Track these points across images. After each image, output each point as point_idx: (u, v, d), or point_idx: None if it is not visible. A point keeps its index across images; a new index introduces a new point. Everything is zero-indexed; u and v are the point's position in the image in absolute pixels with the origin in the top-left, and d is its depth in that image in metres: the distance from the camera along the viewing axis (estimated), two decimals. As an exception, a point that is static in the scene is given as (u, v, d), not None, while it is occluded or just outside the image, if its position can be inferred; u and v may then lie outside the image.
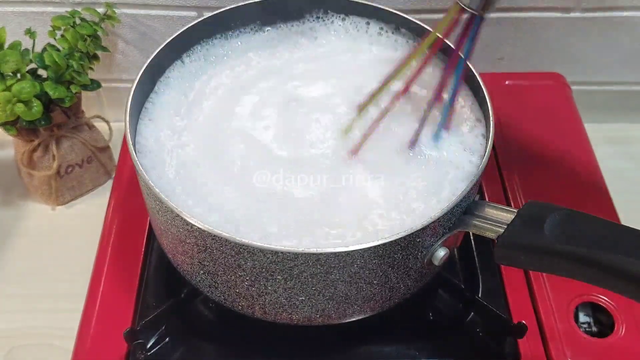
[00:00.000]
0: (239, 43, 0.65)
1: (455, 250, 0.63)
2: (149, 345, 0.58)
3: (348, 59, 0.65)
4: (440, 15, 0.77)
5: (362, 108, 0.58)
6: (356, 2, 0.64)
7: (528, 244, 0.45)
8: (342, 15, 0.65)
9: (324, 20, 0.65)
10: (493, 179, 0.71)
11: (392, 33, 0.64)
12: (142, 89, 0.57)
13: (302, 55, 0.65)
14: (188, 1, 0.76)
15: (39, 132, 0.73)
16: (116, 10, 0.75)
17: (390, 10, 0.63)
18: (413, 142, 0.56)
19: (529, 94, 0.80)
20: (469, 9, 0.51)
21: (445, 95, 0.57)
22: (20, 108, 0.66)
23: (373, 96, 0.57)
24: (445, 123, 0.57)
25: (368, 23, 0.65)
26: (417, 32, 0.62)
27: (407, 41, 0.64)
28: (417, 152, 0.56)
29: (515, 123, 0.76)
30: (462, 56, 0.54)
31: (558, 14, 0.79)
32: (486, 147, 0.51)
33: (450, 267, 0.64)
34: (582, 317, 0.60)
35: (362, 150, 0.56)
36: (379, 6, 0.63)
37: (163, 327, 0.59)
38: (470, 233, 0.60)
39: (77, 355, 0.57)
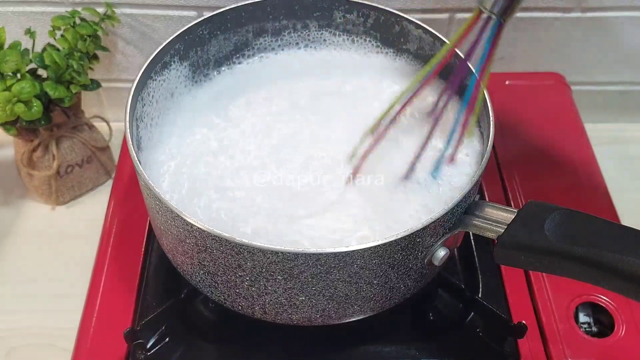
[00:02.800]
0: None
1: (455, 250, 0.63)
2: (149, 345, 0.58)
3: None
4: (441, 15, 0.78)
5: (372, 130, 0.56)
6: (355, 1, 0.64)
7: (528, 244, 0.45)
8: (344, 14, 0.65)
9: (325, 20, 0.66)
10: (493, 179, 0.71)
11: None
12: (142, 89, 0.57)
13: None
14: (188, 1, 0.76)
15: (39, 132, 0.73)
16: (116, 10, 0.75)
17: (390, 10, 0.63)
18: (407, 175, 0.55)
19: (529, 94, 0.80)
20: (489, 13, 0.50)
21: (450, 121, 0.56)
22: (20, 108, 0.66)
23: (381, 116, 0.56)
24: (450, 155, 0.55)
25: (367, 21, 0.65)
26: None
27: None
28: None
29: (515, 123, 0.76)
30: (474, 72, 0.53)
31: (558, 14, 0.79)
32: (486, 147, 0.51)
33: (450, 267, 0.64)
34: (582, 317, 0.60)
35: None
36: (379, 6, 0.63)
37: (163, 327, 0.59)
38: (470, 233, 0.60)
39: (77, 355, 0.57)
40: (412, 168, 0.55)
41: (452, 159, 0.55)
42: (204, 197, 0.54)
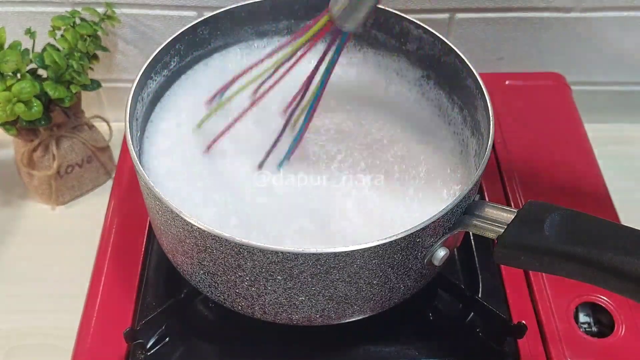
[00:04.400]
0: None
1: (455, 250, 0.63)
2: (149, 345, 0.58)
3: None
4: (441, 15, 0.78)
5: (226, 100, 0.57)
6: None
7: (528, 244, 0.45)
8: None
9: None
10: (493, 179, 0.71)
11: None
12: (142, 89, 0.57)
13: None
14: (188, 1, 0.76)
15: (39, 132, 0.73)
16: (116, 10, 0.75)
17: (390, 10, 0.63)
18: (260, 165, 0.57)
19: (529, 94, 0.80)
20: (339, 27, 0.50)
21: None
22: (20, 108, 0.66)
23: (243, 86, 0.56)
24: (293, 149, 0.57)
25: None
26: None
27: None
28: None
29: (515, 123, 0.76)
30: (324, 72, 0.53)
31: (558, 14, 0.79)
32: (486, 147, 0.51)
33: (450, 267, 0.64)
34: (582, 317, 0.60)
35: None
36: (379, 6, 0.63)
37: (163, 327, 0.59)
38: (470, 233, 0.60)
39: (77, 355, 0.57)
40: (264, 160, 0.56)
41: (292, 153, 0.57)
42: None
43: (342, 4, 0.49)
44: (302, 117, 0.56)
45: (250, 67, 0.55)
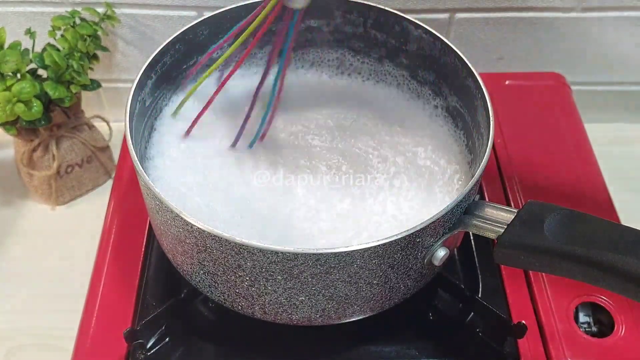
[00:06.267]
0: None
1: (455, 250, 0.63)
2: (149, 345, 0.58)
3: None
4: (441, 15, 0.78)
5: (191, 92, 0.59)
6: (355, 1, 0.64)
7: (528, 244, 0.45)
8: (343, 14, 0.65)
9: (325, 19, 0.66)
10: (493, 179, 0.71)
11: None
12: (142, 89, 0.57)
13: None
14: (188, 1, 0.76)
15: (39, 132, 0.74)
16: (116, 10, 0.75)
17: (390, 10, 0.63)
18: (234, 143, 0.59)
19: (529, 94, 0.80)
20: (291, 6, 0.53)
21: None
22: (20, 108, 0.66)
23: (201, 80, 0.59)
24: (264, 130, 0.59)
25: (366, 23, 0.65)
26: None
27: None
28: None
29: (515, 123, 0.76)
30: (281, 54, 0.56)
31: (558, 14, 0.79)
32: (486, 147, 0.51)
33: (450, 267, 0.64)
34: (582, 317, 0.60)
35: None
36: (379, 6, 0.63)
37: (163, 327, 0.59)
38: (470, 233, 0.60)
39: (77, 355, 0.57)
40: (237, 139, 0.59)
41: (264, 136, 0.60)
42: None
43: None
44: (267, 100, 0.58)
45: (213, 50, 0.58)
